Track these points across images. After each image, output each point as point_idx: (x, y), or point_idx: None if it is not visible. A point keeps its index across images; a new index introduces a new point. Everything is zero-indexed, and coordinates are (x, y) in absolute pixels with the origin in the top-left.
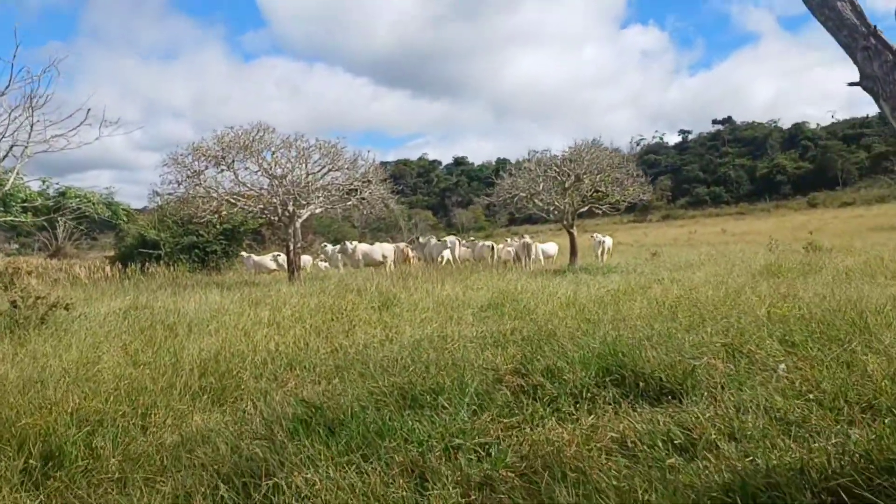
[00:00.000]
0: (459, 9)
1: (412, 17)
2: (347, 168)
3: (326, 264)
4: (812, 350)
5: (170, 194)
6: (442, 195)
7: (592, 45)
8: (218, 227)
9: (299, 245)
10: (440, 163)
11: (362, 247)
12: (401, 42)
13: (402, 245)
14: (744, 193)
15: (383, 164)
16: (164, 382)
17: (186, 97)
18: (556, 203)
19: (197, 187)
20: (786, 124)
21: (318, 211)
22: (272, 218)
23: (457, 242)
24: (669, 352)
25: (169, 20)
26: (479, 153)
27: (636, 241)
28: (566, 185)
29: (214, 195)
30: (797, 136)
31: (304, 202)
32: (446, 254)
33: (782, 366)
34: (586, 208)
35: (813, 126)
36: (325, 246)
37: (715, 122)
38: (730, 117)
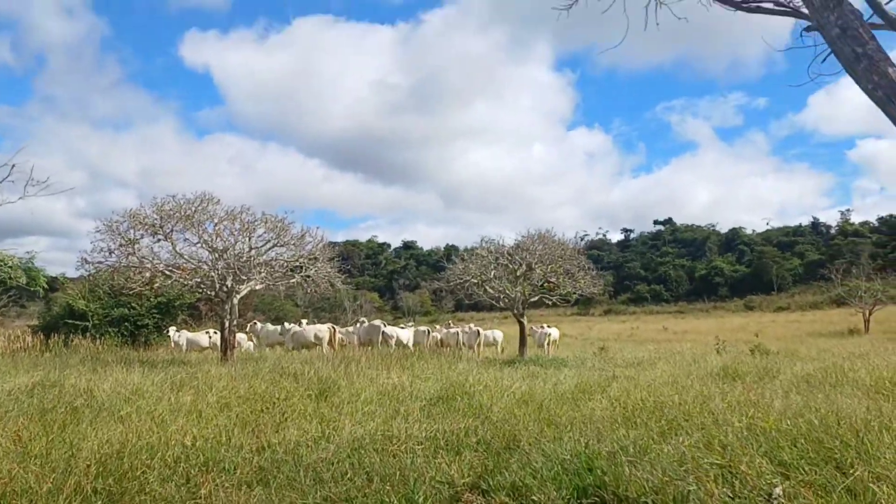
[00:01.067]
0: (416, 101)
1: (369, 105)
2: (294, 244)
3: (251, 343)
4: (808, 473)
5: (100, 262)
6: (390, 277)
7: (541, 143)
8: (152, 300)
9: (235, 323)
10: (389, 245)
11: (293, 328)
12: (356, 127)
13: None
14: (683, 293)
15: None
16: (51, 483)
17: (135, 168)
18: (508, 291)
19: (130, 256)
20: (723, 228)
21: (258, 287)
22: (209, 293)
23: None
24: (652, 469)
25: (124, 92)
26: (429, 238)
27: (580, 334)
28: (518, 274)
29: (148, 265)
30: (734, 241)
31: (244, 277)
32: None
33: (778, 489)
34: (537, 298)
35: (749, 232)
36: (255, 324)
37: (656, 222)
38: (670, 219)
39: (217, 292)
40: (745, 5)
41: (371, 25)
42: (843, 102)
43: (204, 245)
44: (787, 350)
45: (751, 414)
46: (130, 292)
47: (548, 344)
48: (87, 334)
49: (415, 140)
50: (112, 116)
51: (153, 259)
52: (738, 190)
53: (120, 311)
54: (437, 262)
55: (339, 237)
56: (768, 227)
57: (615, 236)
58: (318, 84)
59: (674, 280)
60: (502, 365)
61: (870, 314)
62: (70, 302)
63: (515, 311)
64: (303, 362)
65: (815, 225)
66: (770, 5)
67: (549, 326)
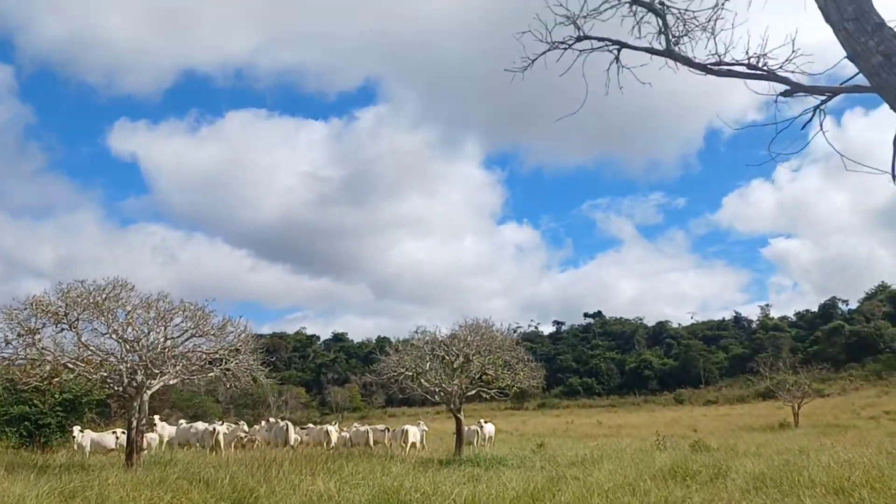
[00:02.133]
0: (348, 193)
1: (300, 196)
2: (214, 335)
3: (153, 436)
4: None
5: None
6: (318, 371)
7: (472, 236)
8: (56, 396)
9: (145, 422)
10: (319, 337)
11: (169, 429)
12: (285, 218)
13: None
14: (614, 385)
15: (258, 336)
16: None
17: (52, 258)
18: (444, 384)
19: (29, 348)
20: (650, 322)
21: (173, 382)
22: (116, 388)
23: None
24: None
25: (46, 180)
26: (360, 330)
27: (516, 429)
28: (455, 366)
29: (49, 358)
30: (661, 334)
31: (156, 371)
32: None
33: None
34: (474, 391)
35: (675, 325)
36: (154, 418)
37: (586, 315)
38: (600, 311)
39: (125, 387)
40: (715, 68)
41: (304, 120)
42: (756, 203)
43: (113, 335)
44: (726, 446)
45: None
46: (27, 388)
47: (483, 440)
48: None
49: (346, 231)
50: (31, 204)
51: (55, 351)
52: (661, 285)
53: (20, 409)
54: (368, 354)
55: (266, 329)
56: (693, 321)
57: (547, 328)
58: (248, 175)
59: (605, 373)
60: (439, 466)
61: (799, 407)
62: None
63: (452, 406)
64: (217, 466)
65: (738, 319)
66: (743, 69)
67: (485, 422)
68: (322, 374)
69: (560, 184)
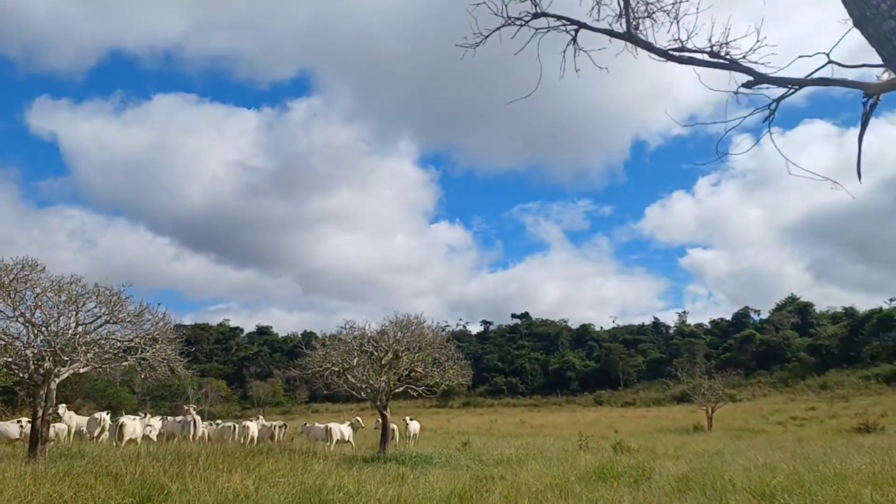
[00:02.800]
0: (277, 185)
1: (227, 185)
2: (129, 322)
3: (62, 426)
4: None
5: None
6: (241, 364)
7: (403, 234)
8: None
9: (51, 412)
10: (242, 330)
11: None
12: (210, 206)
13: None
14: (538, 385)
15: (179, 326)
16: None
17: None
18: (371, 381)
19: None
20: (574, 324)
21: (83, 370)
22: (21, 374)
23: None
24: None
25: None
26: (285, 324)
27: (440, 427)
28: (383, 362)
29: None
30: (584, 336)
31: (66, 358)
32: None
33: None
34: (402, 388)
35: (597, 328)
36: (60, 407)
37: (514, 315)
38: (527, 313)
39: (31, 374)
40: (676, 55)
41: (235, 108)
42: (675, 214)
43: (20, 319)
44: (646, 447)
45: None
46: None
47: (409, 439)
48: None
49: (273, 223)
50: None
51: None
52: (585, 289)
53: None
54: (293, 348)
55: (188, 320)
56: (614, 325)
57: (475, 328)
58: (174, 161)
59: (529, 373)
60: (362, 464)
61: (712, 411)
62: None
63: (378, 403)
64: (127, 460)
65: (657, 325)
66: (704, 56)
67: (410, 419)
68: (245, 367)
69: (492, 186)
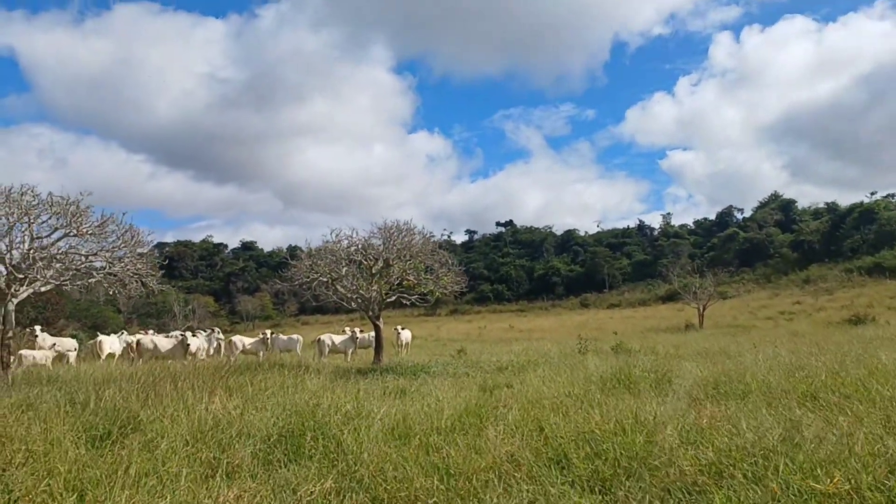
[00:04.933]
0: (250, 97)
1: (199, 99)
2: (91, 234)
3: (39, 353)
4: None
5: None
6: (227, 280)
7: (381, 145)
8: None
9: (11, 334)
10: (226, 246)
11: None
12: (183, 121)
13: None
14: (523, 292)
15: (160, 245)
16: None
17: None
18: (362, 291)
19: None
20: (559, 230)
21: (44, 289)
22: None
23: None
24: None
25: None
26: (268, 239)
27: (430, 334)
28: (374, 271)
29: None
30: (569, 242)
31: (21, 276)
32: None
33: None
34: (394, 298)
35: (582, 233)
36: (36, 329)
37: (498, 224)
38: (511, 221)
39: None
40: None
41: (201, 17)
42: (655, 116)
43: None
44: (646, 347)
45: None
46: None
47: (402, 347)
48: None
49: (249, 137)
50: None
51: None
52: (567, 195)
53: None
54: (279, 263)
55: (170, 237)
56: (599, 230)
57: (459, 238)
58: (141, 75)
59: (515, 280)
60: (357, 377)
61: (704, 309)
62: None
63: (371, 313)
64: (101, 383)
65: (641, 227)
66: None
67: (402, 328)
68: (231, 282)
69: (471, 93)
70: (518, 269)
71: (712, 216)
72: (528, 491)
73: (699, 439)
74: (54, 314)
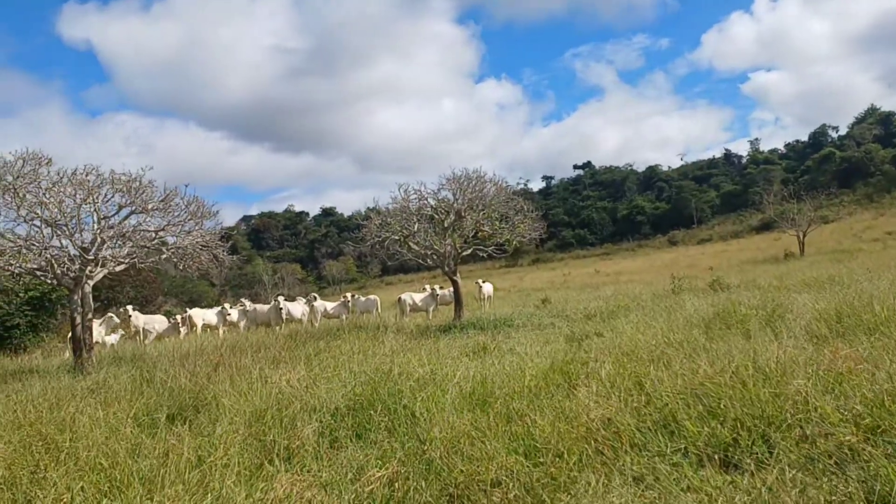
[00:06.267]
0: (317, 64)
1: (268, 71)
2: (158, 209)
3: (113, 337)
4: None
5: None
6: (311, 247)
7: (449, 99)
8: (21, 295)
9: (89, 317)
10: (308, 214)
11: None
12: (255, 95)
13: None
14: (607, 234)
15: (246, 218)
16: None
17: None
18: (435, 246)
19: None
20: (640, 167)
21: (119, 268)
22: (50, 280)
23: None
24: None
25: (2, 77)
26: (348, 204)
27: (513, 286)
28: (446, 225)
29: None
30: (652, 178)
31: (91, 258)
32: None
33: None
34: (469, 251)
35: (665, 168)
36: (129, 308)
37: (576, 166)
38: (589, 162)
39: (60, 279)
40: None
41: None
42: (734, 38)
43: (37, 219)
44: (746, 282)
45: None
46: None
47: (484, 301)
48: None
49: (320, 105)
50: None
51: None
52: (646, 130)
53: None
54: (358, 226)
55: (254, 210)
56: (683, 163)
57: (536, 185)
58: (210, 53)
59: (597, 223)
60: (437, 334)
61: (804, 236)
62: None
63: (447, 269)
64: (179, 360)
65: (728, 156)
66: None
67: (483, 282)
68: (315, 249)
69: (536, 35)
70: (600, 211)
71: (804, 137)
72: (631, 464)
73: (838, 388)
74: (152, 292)
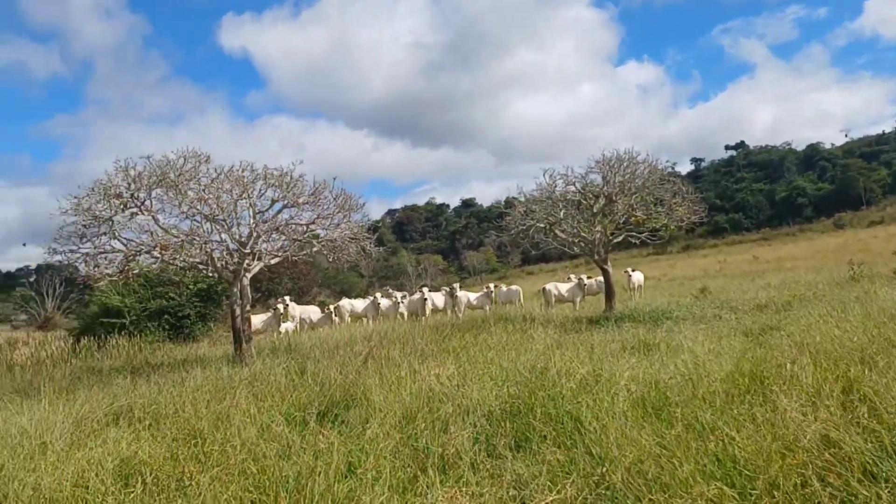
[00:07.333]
0: (452, 56)
1: (407, 68)
2: (308, 203)
3: (288, 325)
4: None
5: (72, 251)
6: (452, 238)
7: (588, 84)
8: (191, 287)
9: (248, 309)
10: (448, 206)
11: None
12: (396, 92)
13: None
14: (764, 218)
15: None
16: None
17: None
18: (584, 233)
19: (102, 237)
20: (798, 146)
21: (274, 261)
22: (210, 274)
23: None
24: None
25: (172, 87)
26: (487, 195)
27: (664, 274)
28: (595, 210)
29: (121, 248)
30: (813, 157)
31: (248, 251)
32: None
33: None
34: (621, 238)
35: (828, 146)
36: (286, 299)
37: (728, 147)
38: (742, 142)
39: (220, 272)
40: None
41: None
42: None
43: (198, 215)
44: None
45: None
46: (97, 283)
47: (634, 291)
48: (125, 332)
49: (458, 98)
50: (163, 112)
51: (127, 239)
52: (803, 106)
53: (158, 303)
54: (498, 216)
55: (398, 204)
56: (848, 140)
57: (684, 168)
58: (355, 54)
59: (753, 206)
60: (590, 328)
61: None
62: (104, 299)
63: (597, 257)
64: (329, 352)
65: None
66: None
67: (632, 270)
68: (456, 240)
69: (679, 12)
70: (756, 193)
71: None
72: (869, 500)
73: None
74: (308, 283)
